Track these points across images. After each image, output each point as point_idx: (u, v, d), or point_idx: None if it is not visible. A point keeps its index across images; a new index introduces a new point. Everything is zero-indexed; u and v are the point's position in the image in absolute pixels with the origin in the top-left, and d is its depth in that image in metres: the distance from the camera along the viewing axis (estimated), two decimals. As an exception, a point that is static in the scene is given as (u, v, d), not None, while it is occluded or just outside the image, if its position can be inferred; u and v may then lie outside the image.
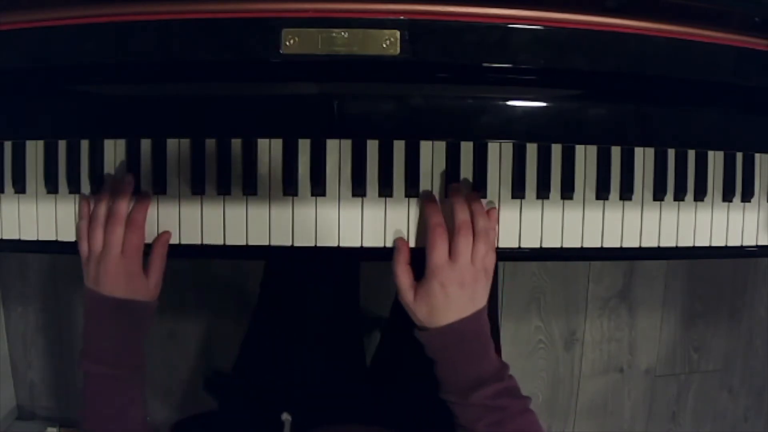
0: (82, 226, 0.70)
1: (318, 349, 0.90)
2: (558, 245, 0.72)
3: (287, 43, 0.61)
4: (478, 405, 0.64)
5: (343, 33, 0.61)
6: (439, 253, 0.64)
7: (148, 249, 0.70)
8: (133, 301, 0.68)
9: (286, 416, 0.70)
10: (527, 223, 0.72)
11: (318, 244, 0.71)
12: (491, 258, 0.67)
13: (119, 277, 0.67)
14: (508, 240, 0.72)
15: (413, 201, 0.71)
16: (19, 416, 1.55)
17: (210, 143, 0.70)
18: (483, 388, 0.63)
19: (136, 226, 0.68)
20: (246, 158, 0.70)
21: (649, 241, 0.74)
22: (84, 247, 0.69)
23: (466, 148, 0.71)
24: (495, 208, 0.71)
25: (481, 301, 0.66)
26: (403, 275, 0.66)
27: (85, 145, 0.71)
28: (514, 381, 0.67)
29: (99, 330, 0.68)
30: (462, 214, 0.66)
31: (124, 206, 0.69)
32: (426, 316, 0.65)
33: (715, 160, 0.75)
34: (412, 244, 0.70)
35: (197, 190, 0.70)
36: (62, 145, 0.71)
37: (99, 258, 0.67)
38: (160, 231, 0.71)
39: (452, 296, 0.64)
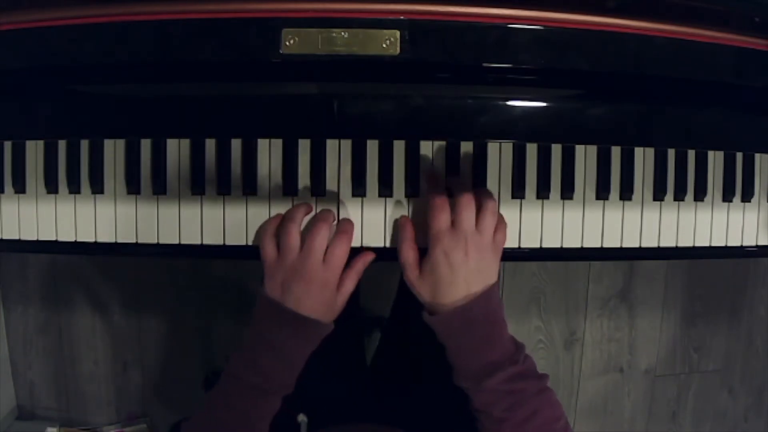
0: (270, 227, 0.65)
1: (317, 349, 0.90)
2: (558, 245, 0.72)
3: (287, 43, 0.61)
4: (492, 391, 0.61)
5: (343, 33, 0.61)
6: (439, 218, 0.62)
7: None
8: (315, 321, 0.63)
9: (302, 417, 0.68)
10: (527, 223, 0.72)
11: (318, 244, 0.71)
12: (502, 235, 0.65)
13: (312, 288, 0.62)
14: (508, 240, 0.71)
15: (413, 201, 0.70)
16: (19, 416, 1.55)
17: (210, 143, 0.70)
18: (497, 374, 0.61)
19: (346, 234, 0.64)
20: (246, 158, 0.70)
21: (649, 241, 0.74)
22: (270, 249, 0.64)
23: (466, 149, 0.71)
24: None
25: (490, 276, 0.63)
26: (408, 251, 0.64)
27: (85, 145, 0.71)
28: (530, 361, 0.64)
29: (265, 340, 0.63)
30: (464, 190, 0.64)
31: (331, 214, 0.65)
32: (431, 293, 0.62)
33: (715, 160, 0.75)
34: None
35: (197, 190, 0.70)
36: (62, 145, 0.71)
37: (294, 262, 0.62)
38: (160, 230, 0.71)
39: (457, 267, 0.61)
